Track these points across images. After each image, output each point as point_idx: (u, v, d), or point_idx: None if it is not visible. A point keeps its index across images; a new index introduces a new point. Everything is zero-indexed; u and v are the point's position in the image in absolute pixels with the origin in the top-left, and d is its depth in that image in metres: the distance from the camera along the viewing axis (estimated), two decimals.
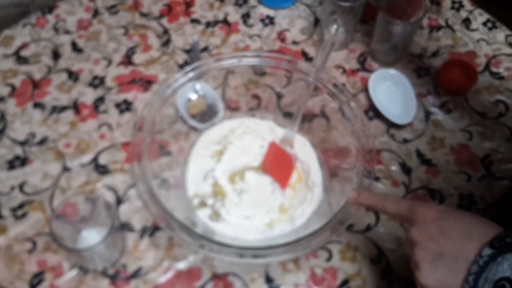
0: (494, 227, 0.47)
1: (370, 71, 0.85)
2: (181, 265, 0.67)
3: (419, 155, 0.77)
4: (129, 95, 0.82)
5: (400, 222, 0.69)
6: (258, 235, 0.66)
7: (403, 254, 0.68)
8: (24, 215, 0.70)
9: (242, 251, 0.57)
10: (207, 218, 0.68)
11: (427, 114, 0.81)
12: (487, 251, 0.44)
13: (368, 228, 0.70)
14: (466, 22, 0.92)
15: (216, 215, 0.68)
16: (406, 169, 0.76)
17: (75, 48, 0.87)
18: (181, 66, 0.85)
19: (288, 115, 0.77)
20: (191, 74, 0.72)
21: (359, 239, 0.69)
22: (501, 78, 0.86)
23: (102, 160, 0.75)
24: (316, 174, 0.72)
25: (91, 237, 0.65)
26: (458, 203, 0.73)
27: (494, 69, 0.87)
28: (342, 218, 0.61)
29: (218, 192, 0.70)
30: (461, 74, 0.85)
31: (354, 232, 0.70)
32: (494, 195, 0.74)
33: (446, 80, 0.83)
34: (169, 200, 0.64)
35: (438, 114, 0.81)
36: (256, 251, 0.57)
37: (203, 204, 0.69)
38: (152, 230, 0.69)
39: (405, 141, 0.78)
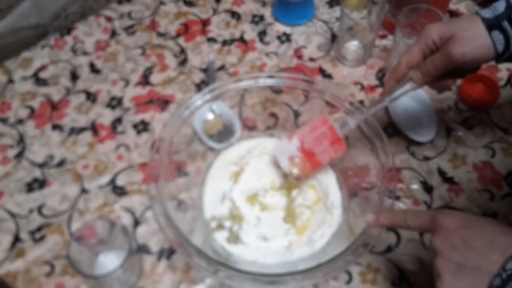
0: None
1: None
2: None
3: (441, 173, 0.75)
4: (146, 116, 0.82)
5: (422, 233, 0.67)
6: (277, 258, 0.65)
7: (425, 276, 0.66)
8: (42, 238, 0.70)
9: (260, 277, 0.56)
10: (224, 241, 0.67)
11: (448, 130, 0.79)
12: (511, 265, 0.43)
13: (389, 249, 0.69)
14: None
15: (234, 238, 0.67)
16: (427, 188, 0.74)
17: (93, 69, 0.87)
18: (198, 86, 0.85)
19: None
20: (208, 96, 0.72)
21: (380, 260, 0.68)
22: None
23: (120, 181, 0.75)
24: (335, 195, 0.71)
25: (108, 261, 0.64)
26: None
27: None
28: (364, 241, 0.59)
29: (235, 215, 0.69)
30: (483, 89, 0.83)
31: (374, 254, 0.68)
32: None
33: (467, 95, 0.81)
34: (185, 223, 0.63)
35: (460, 131, 0.79)
36: (274, 278, 0.56)
37: (220, 226, 0.68)
38: (169, 253, 0.68)
39: (426, 158, 0.77)
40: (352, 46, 0.87)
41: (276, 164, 0.73)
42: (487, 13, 0.58)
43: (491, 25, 0.57)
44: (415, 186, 0.74)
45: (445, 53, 0.58)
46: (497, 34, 0.57)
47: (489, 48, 0.57)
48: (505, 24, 0.57)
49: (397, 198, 0.73)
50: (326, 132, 0.68)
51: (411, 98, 0.81)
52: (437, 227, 0.49)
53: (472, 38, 0.57)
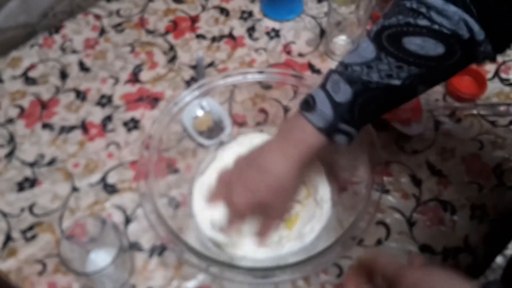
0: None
1: None
2: (191, 285, 0.66)
3: (430, 166, 0.76)
4: (136, 113, 0.82)
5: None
6: (267, 253, 0.65)
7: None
8: (34, 237, 0.70)
9: (251, 272, 0.57)
10: (215, 237, 0.67)
11: (437, 123, 0.80)
12: None
13: (379, 242, 0.69)
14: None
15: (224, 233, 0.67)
16: (416, 181, 0.75)
17: (83, 67, 0.87)
18: (188, 82, 0.85)
19: None
20: (197, 92, 0.73)
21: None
22: (511, 84, 0.84)
23: (111, 179, 0.75)
24: (325, 190, 0.71)
25: (100, 258, 0.64)
26: (470, 214, 0.71)
27: (504, 76, 0.85)
28: (352, 234, 0.60)
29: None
30: (471, 82, 0.84)
31: (364, 247, 0.69)
32: (506, 205, 0.72)
33: (455, 88, 0.82)
34: (176, 219, 0.64)
35: (448, 124, 0.80)
36: (265, 272, 0.57)
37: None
38: (161, 249, 0.69)
39: (415, 152, 0.77)
40: (341, 41, 0.87)
41: None
42: (319, 121, 0.58)
43: (330, 132, 0.59)
44: (404, 180, 0.75)
45: None
46: (339, 136, 0.59)
47: None
48: (342, 126, 0.58)
49: (386, 191, 0.73)
50: None
51: None
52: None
53: None
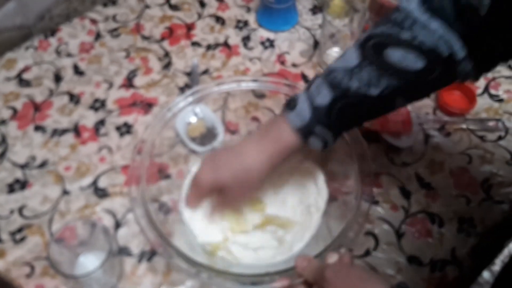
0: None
1: None
2: None
3: (419, 178, 0.77)
4: (129, 118, 0.82)
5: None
6: (257, 260, 0.66)
7: (403, 280, 0.67)
8: (22, 239, 0.70)
9: (240, 278, 0.57)
10: (205, 242, 0.67)
11: (426, 137, 0.81)
12: None
13: (367, 252, 0.70)
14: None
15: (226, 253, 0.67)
16: (405, 193, 0.75)
17: (77, 71, 0.88)
18: (182, 89, 0.86)
19: None
20: (191, 98, 0.73)
21: (358, 264, 0.69)
22: (500, 100, 0.86)
23: (102, 183, 0.75)
24: (322, 198, 0.71)
25: (89, 262, 0.65)
26: (458, 227, 0.72)
27: (493, 92, 0.87)
28: (341, 243, 0.61)
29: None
30: (461, 97, 0.85)
31: (353, 257, 0.69)
32: (493, 219, 0.73)
33: (445, 103, 0.83)
34: (167, 225, 0.64)
35: (438, 137, 0.81)
36: (254, 278, 0.57)
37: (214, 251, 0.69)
38: (150, 255, 0.69)
39: (405, 164, 0.78)
40: (334, 52, 0.88)
41: None
42: (296, 121, 0.60)
43: (305, 133, 0.60)
44: (394, 191, 0.75)
45: None
46: (314, 139, 0.61)
47: None
48: (318, 128, 0.60)
49: (376, 202, 0.74)
50: None
51: None
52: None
53: None
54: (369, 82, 0.56)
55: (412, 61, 0.55)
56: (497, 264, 0.88)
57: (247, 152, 0.63)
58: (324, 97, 0.58)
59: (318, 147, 0.61)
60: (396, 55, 0.55)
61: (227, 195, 0.66)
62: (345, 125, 0.62)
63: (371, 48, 0.56)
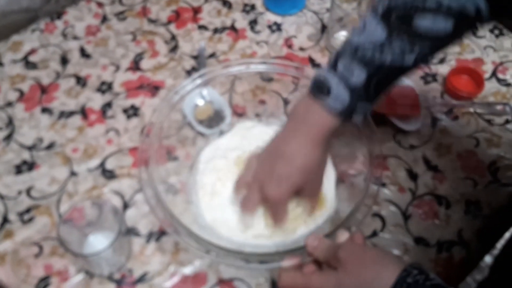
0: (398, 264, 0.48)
1: None
2: (187, 270, 0.67)
3: (426, 161, 0.77)
4: (136, 101, 0.82)
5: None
6: (266, 240, 0.66)
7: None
8: (31, 220, 0.70)
9: (249, 256, 0.57)
10: (214, 222, 0.67)
11: (434, 120, 0.81)
12: None
13: (374, 233, 0.70)
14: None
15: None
16: (412, 175, 0.75)
17: (83, 53, 0.87)
18: (189, 72, 0.85)
19: None
20: (198, 81, 0.73)
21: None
22: (508, 85, 0.85)
23: (109, 165, 0.75)
24: (330, 181, 0.71)
25: (98, 242, 0.65)
26: (464, 209, 0.73)
27: (501, 76, 0.87)
28: (349, 225, 0.61)
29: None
30: (468, 81, 0.85)
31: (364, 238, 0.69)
32: (500, 202, 0.73)
33: (453, 87, 0.83)
34: (175, 205, 0.64)
35: (445, 121, 0.81)
36: (262, 257, 0.57)
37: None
38: (158, 235, 0.69)
39: (412, 147, 0.78)
40: (342, 36, 0.88)
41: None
42: (336, 105, 0.59)
43: (348, 113, 0.60)
44: (401, 174, 0.75)
45: None
46: (357, 116, 0.61)
47: None
48: (360, 105, 0.60)
49: (383, 185, 0.74)
50: None
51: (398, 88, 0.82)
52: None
53: None
54: (403, 53, 0.57)
55: (442, 26, 0.55)
56: (498, 249, 0.88)
57: (296, 147, 0.62)
58: (358, 76, 0.58)
59: (359, 120, 0.62)
60: (425, 23, 0.55)
61: (308, 193, 0.65)
62: (383, 92, 0.62)
63: (397, 20, 0.56)
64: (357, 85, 0.58)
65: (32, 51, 0.87)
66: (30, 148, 0.77)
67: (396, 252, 0.68)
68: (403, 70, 0.59)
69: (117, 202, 0.72)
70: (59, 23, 0.91)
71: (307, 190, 0.65)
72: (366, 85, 0.58)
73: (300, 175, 0.62)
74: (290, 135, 0.63)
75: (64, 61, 0.86)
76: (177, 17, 0.93)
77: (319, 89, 0.60)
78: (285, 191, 0.62)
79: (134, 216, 0.71)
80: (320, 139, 0.61)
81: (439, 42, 0.58)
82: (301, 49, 0.90)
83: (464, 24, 0.57)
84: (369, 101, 0.60)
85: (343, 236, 0.53)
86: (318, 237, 0.54)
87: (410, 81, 0.83)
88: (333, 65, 0.60)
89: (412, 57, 0.57)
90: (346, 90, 0.58)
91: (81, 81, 0.84)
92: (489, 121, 0.81)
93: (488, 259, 0.84)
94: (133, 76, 0.85)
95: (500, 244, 0.88)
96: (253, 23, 0.93)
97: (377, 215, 0.71)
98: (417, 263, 0.48)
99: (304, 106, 0.62)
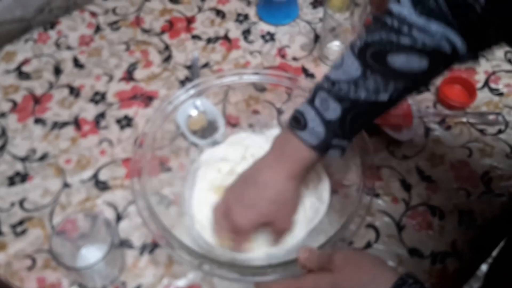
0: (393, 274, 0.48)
1: None
2: (181, 283, 0.66)
3: (419, 171, 0.77)
4: (130, 111, 0.82)
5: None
6: (258, 252, 0.66)
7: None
8: (24, 232, 0.70)
9: (242, 269, 0.57)
10: (207, 236, 0.67)
11: (427, 130, 0.81)
12: None
13: (368, 245, 0.70)
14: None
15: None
16: (406, 186, 0.76)
17: (77, 64, 0.87)
18: (182, 82, 0.85)
19: None
20: (192, 91, 0.73)
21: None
22: (500, 94, 0.86)
23: (102, 176, 0.75)
24: (325, 190, 0.71)
25: (91, 254, 0.65)
26: (458, 219, 0.73)
27: (493, 86, 0.87)
28: (342, 236, 0.61)
29: None
30: (461, 91, 0.85)
31: (354, 249, 0.70)
32: (493, 212, 0.74)
33: (445, 97, 0.83)
34: (168, 217, 0.64)
35: (438, 131, 0.81)
36: (255, 270, 0.57)
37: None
38: (151, 247, 0.69)
39: (405, 157, 0.78)
40: (335, 46, 0.88)
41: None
42: (312, 139, 0.59)
43: (323, 148, 0.60)
44: (394, 184, 0.76)
45: None
46: (333, 151, 0.61)
47: None
48: (335, 141, 0.60)
49: (377, 195, 0.74)
50: None
51: None
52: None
53: None
54: (377, 89, 0.56)
55: (416, 63, 0.55)
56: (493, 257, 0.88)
57: (270, 177, 0.62)
58: (333, 111, 0.58)
59: (337, 156, 0.61)
60: (399, 60, 0.55)
61: (277, 225, 0.64)
62: (359, 129, 0.63)
63: (372, 57, 0.56)
64: (332, 120, 0.58)
65: (25, 61, 0.87)
66: (23, 159, 0.76)
67: (390, 263, 0.68)
68: (378, 106, 0.59)
69: (110, 213, 0.72)
70: (52, 33, 0.91)
71: (276, 223, 0.64)
72: (341, 121, 0.58)
73: (269, 206, 0.62)
74: (267, 165, 0.63)
75: (57, 71, 0.86)
76: (170, 27, 0.93)
77: (297, 121, 0.60)
78: (250, 220, 0.62)
79: (127, 228, 0.71)
80: (296, 172, 0.61)
81: (415, 79, 0.57)
82: (294, 59, 0.90)
83: (440, 62, 0.56)
84: (345, 138, 0.60)
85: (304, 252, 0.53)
86: (308, 248, 0.54)
87: None
88: (312, 99, 0.60)
89: (386, 95, 0.57)
90: (321, 125, 0.59)
91: (74, 92, 0.84)
92: (482, 131, 0.81)
93: (485, 268, 0.85)
94: (126, 87, 0.85)
95: (495, 253, 0.89)
96: (246, 33, 0.93)
97: (371, 226, 0.71)
98: (412, 273, 0.48)
99: (283, 138, 0.62)
